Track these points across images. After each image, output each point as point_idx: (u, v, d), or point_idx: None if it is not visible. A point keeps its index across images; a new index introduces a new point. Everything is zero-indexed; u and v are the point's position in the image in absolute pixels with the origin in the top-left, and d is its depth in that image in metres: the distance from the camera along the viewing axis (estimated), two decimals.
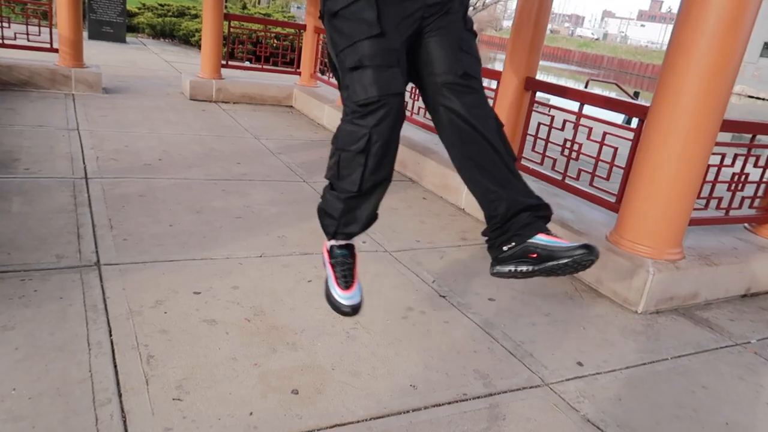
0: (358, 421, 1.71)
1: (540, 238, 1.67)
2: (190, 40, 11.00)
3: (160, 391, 1.71)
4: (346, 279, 1.86)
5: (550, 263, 1.62)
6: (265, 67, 6.46)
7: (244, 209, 3.24)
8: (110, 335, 1.94)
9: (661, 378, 2.19)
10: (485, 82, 4.12)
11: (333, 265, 1.88)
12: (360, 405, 1.78)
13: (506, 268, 1.72)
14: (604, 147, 3.22)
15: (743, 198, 3.26)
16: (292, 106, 6.45)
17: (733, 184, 3.19)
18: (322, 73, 6.40)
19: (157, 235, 2.74)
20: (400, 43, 1.72)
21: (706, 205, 3.10)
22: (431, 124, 4.49)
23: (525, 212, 1.71)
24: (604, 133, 3.18)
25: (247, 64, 6.75)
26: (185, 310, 2.15)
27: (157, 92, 6.15)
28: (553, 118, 3.52)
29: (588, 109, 3.40)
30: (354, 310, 1.83)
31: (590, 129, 3.28)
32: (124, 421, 1.57)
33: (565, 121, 3.42)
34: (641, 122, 2.99)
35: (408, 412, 1.79)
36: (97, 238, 2.61)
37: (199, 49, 10.42)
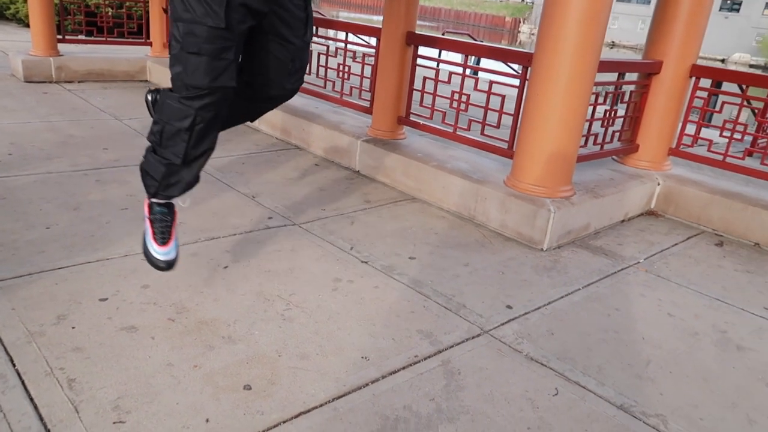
0: (321, 405, 1.64)
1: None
2: (4, 14, 9.56)
3: (95, 417, 1.51)
4: (164, 235, 1.98)
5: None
6: (109, 39, 5.80)
7: (129, 199, 2.92)
8: (13, 365, 1.66)
9: (580, 307, 2.36)
10: (365, 39, 4.06)
11: (152, 222, 2.00)
12: (319, 388, 1.71)
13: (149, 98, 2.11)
14: (491, 96, 3.32)
15: (613, 132, 3.56)
16: (147, 81, 5.90)
17: (606, 121, 3.46)
18: None
19: (35, 241, 2.39)
20: (240, 35, 1.84)
21: (586, 143, 3.34)
22: (309, 87, 4.36)
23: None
24: (491, 83, 3.27)
25: (81, 37, 5.99)
26: (96, 321, 1.91)
27: None
28: (438, 71, 3.55)
29: (447, 56, 3.47)
30: (169, 265, 1.99)
31: (476, 80, 3.35)
32: None
33: (450, 74, 3.47)
34: (525, 69, 3.11)
35: (368, 385, 1.75)
36: None
37: (18, 23, 9.16)
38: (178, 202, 2.02)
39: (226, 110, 1.99)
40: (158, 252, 1.96)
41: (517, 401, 1.75)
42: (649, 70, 3.51)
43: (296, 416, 1.59)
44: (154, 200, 1.98)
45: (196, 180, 2.01)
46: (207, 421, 1.54)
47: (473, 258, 2.69)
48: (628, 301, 2.45)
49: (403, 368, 1.85)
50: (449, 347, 1.99)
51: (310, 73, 4.48)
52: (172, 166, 1.90)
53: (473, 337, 2.06)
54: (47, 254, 2.30)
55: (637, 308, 2.40)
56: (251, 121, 2.30)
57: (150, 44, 6.02)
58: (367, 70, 3.96)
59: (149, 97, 2.12)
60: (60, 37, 5.46)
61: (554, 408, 1.74)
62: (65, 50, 5.55)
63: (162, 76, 5.73)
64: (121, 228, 2.59)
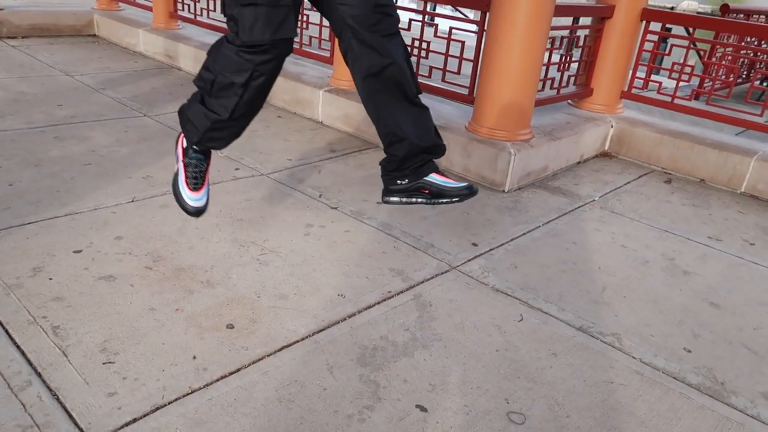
0: (302, 339, 1.73)
1: (433, 177, 1.88)
2: None
3: (84, 359, 1.56)
4: (197, 181, 1.93)
5: (443, 200, 1.89)
6: None
7: (91, 154, 2.89)
8: None
9: (540, 242, 2.49)
10: None
11: (186, 165, 1.93)
12: (299, 324, 1.79)
13: (397, 198, 1.93)
14: (451, 43, 3.36)
15: (569, 77, 3.66)
16: (95, 35, 5.67)
17: (562, 65, 3.55)
18: None
19: None
20: None
21: (543, 87, 3.43)
22: None
23: (422, 154, 1.85)
24: (450, 29, 3.30)
25: None
26: (73, 272, 1.93)
27: None
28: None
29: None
30: (198, 212, 1.95)
31: (436, 26, 3.38)
32: (58, 399, 1.42)
33: (411, 21, 3.48)
34: (483, 15, 3.15)
35: (345, 319, 1.84)
36: None
37: None
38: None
39: (282, 64, 1.76)
40: (189, 197, 1.93)
41: (486, 328, 1.88)
42: (602, 14, 3.59)
43: (279, 350, 1.67)
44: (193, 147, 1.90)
45: (239, 135, 1.89)
46: (194, 357, 1.60)
47: None
48: (585, 236, 2.60)
49: (378, 303, 1.94)
50: (420, 283, 2.09)
51: None
52: (218, 121, 1.76)
53: (442, 273, 2.17)
54: (14, 210, 2.27)
55: (593, 241, 2.55)
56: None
57: None
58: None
59: None
60: None
61: (520, 332, 1.88)
62: (5, 4, 5.28)
63: (113, 31, 5.52)
64: (86, 183, 2.57)
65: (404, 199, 1.93)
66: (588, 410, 1.57)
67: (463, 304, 1.99)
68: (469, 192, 1.86)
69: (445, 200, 1.89)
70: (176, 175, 1.96)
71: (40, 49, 4.95)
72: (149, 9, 5.24)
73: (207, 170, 1.95)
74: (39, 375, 1.49)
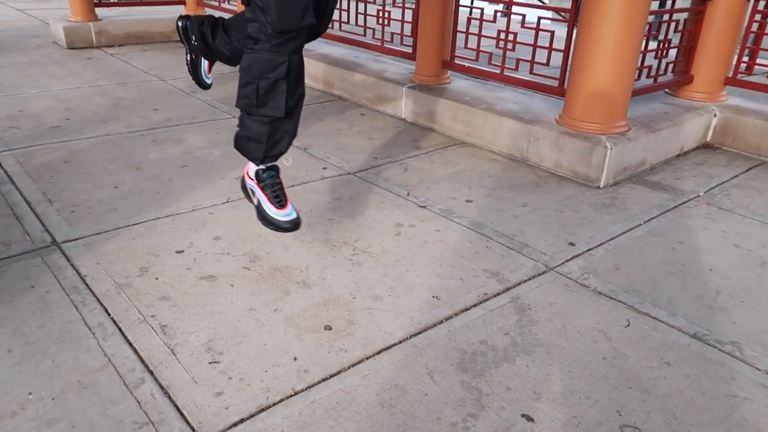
0: (400, 342, 1.71)
1: (204, 62, 2.34)
2: None
3: (191, 358, 1.60)
4: (280, 198, 1.98)
5: (187, 56, 2.32)
6: (143, 0, 5.81)
7: (186, 156, 2.99)
8: (108, 314, 1.77)
9: (643, 242, 2.35)
10: None
11: (264, 188, 2.00)
12: (396, 326, 1.77)
13: (191, 45, 2.27)
14: (539, 33, 3.23)
15: (667, 64, 3.44)
16: None
17: (659, 52, 3.34)
18: None
19: (106, 200, 2.48)
20: None
21: (639, 76, 3.24)
22: (348, 37, 4.31)
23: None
24: (539, 18, 3.18)
25: (115, 0, 6.02)
26: (177, 272, 1.99)
27: (26, 45, 5.39)
28: (482, 10, 3.46)
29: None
30: (295, 224, 1.97)
31: (523, 16, 3.26)
32: (169, 397, 1.47)
33: (496, 12, 3.38)
34: (575, 2, 3.01)
35: (442, 322, 1.80)
36: (39, 216, 2.32)
37: None
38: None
39: None
40: (280, 215, 1.96)
41: (590, 333, 1.78)
42: None
43: (378, 352, 1.66)
44: (261, 167, 1.97)
45: (296, 130, 2.00)
46: (295, 359, 1.61)
47: (530, 198, 2.69)
48: (692, 234, 2.43)
49: (475, 306, 1.89)
50: (517, 284, 2.02)
51: (348, 22, 4.42)
52: (275, 122, 1.88)
53: (539, 274, 2.08)
54: (119, 212, 2.39)
55: (702, 240, 2.38)
56: None
57: (184, 2, 6.00)
58: (408, 15, 3.88)
59: (180, 24, 2.21)
60: (96, 1, 5.49)
61: (627, 339, 1.77)
62: (102, 14, 5.59)
63: None
64: (183, 184, 2.67)
65: (185, 46, 2.29)
66: (710, 426, 1.46)
67: (563, 308, 1.90)
68: (199, 84, 2.38)
69: (188, 62, 2.33)
70: (259, 205, 2.00)
71: (135, 56, 5.21)
72: (233, 12, 5.39)
73: (283, 185, 2.01)
74: (151, 373, 1.54)
